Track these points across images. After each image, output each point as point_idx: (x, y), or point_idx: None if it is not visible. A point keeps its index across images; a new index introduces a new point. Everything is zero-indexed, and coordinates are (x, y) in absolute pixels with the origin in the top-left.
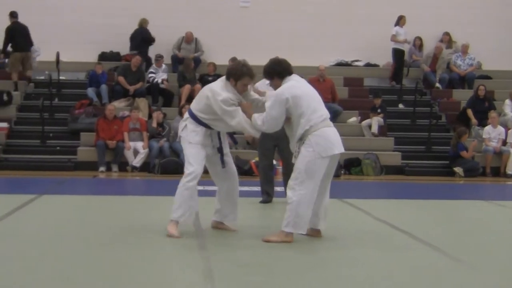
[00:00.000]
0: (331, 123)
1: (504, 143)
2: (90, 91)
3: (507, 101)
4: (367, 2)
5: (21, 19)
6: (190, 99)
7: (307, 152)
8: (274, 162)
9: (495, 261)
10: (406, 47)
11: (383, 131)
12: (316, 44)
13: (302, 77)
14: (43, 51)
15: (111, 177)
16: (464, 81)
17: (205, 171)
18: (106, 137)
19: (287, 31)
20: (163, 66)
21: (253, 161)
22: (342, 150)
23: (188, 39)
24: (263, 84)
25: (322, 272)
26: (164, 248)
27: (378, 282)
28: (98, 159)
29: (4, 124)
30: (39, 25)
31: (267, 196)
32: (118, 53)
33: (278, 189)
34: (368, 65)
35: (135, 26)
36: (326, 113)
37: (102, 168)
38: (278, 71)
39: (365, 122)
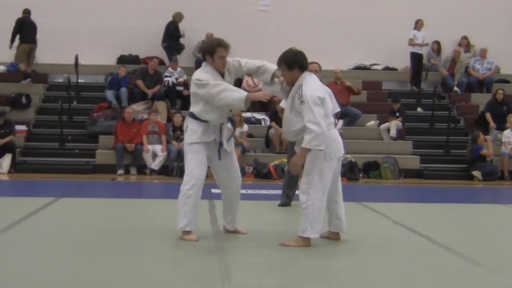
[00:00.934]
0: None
1: None
2: (109, 94)
3: None
4: (386, 5)
5: (40, 21)
6: None
7: (317, 153)
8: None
9: None
10: (424, 51)
11: (402, 134)
12: (334, 47)
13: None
14: (62, 54)
15: (130, 180)
16: (483, 85)
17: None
18: (125, 140)
19: (306, 34)
20: (178, 69)
21: (272, 164)
22: (343, 151)
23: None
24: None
25: (338, 276)
26: (181, 251)
27: (397, 287)
28: (116, 162)
29: (23, 127)
30: (58, 27)
31: (287, 199)
32: (137, 56)
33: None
34: (386, 68)
35: (154, 30)
36: (332, 118)
37: (120, 171)
38: (301, 63)
39: (384, 125)
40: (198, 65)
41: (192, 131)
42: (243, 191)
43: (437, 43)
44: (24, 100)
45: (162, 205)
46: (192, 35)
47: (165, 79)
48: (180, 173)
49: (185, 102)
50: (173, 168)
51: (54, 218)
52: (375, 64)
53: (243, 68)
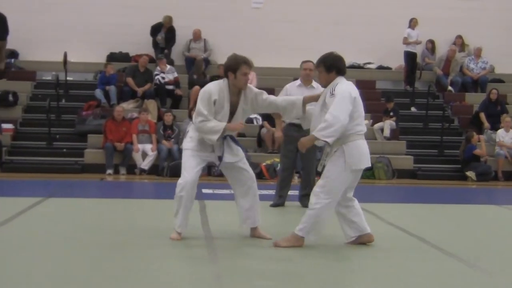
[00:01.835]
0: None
1: None
2: (98, 92)
3: None
4: (380, 4)
5: (28, 18)
6: None
7: (339, 162)
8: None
9: (509, 266)
10: (418, 50)
11: (395, 134)
12: (327, 46)
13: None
14: (50, 50)
15: (119, 180)
16: (477, 84)
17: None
18: (114, 139)
19: (299, 32)
20: (168, 67)
21: (264, 164)
22: (369, 164)
23: (196, 36)
24: (293, 86)
25: (330, 277)
26: (172, 251)
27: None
28: (105, 162)
29: (10, 126)
30: (47, 24)
31: (279, 198)
32: (127, 54)
33: (290, 192)
34: (380, 67)
35: (145, 27)
36: (365, 128)
37: (109, 171)
38: (340, 67)
39: (377, 125)
40: (187, 63)
41: (191, 138)
42: (231, 192)
43: (431, 42)
44: (11, 97)
45: (151, 205)
46: (183, 33)
47: (156, 77)
48: (171, 173)
49: (176, 101)
50: (164, 168)
51: (42, 218)
52: (368, 63)
53: (265, 102)
